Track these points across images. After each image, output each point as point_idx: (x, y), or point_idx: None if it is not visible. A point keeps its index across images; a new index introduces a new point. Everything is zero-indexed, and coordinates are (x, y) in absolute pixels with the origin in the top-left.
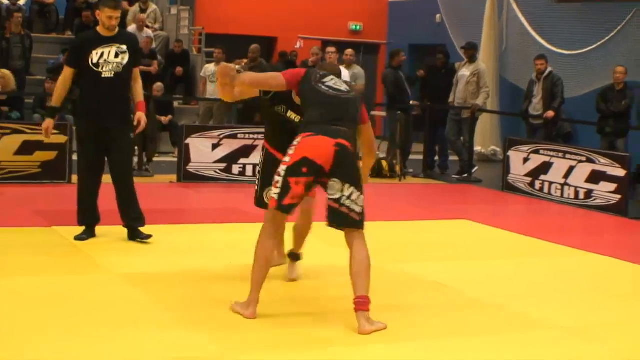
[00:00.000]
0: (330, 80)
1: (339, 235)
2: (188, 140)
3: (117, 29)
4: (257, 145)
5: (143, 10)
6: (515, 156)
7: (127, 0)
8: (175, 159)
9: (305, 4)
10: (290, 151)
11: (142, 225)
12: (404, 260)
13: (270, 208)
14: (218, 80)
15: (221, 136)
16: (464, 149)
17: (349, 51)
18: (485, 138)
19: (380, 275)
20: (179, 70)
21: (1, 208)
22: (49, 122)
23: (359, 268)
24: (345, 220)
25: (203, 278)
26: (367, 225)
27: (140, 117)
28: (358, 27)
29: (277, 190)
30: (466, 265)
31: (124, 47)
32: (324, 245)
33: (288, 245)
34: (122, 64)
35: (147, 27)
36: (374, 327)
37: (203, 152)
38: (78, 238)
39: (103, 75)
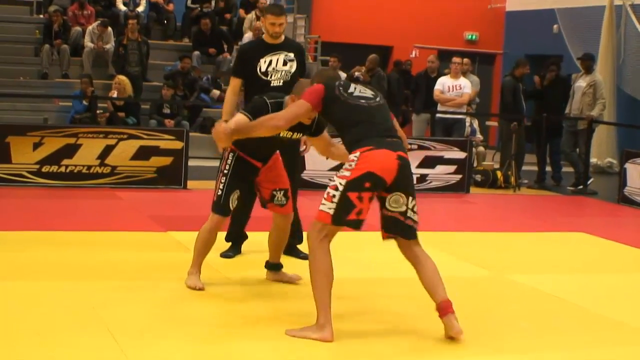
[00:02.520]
0: (355, 90)
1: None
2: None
3: (283, 37)
4: None
5: (259, 18)
6: (633, 168)
7: (244, 8)
8: None
9: (421, 13)
10: (349, 165)
11: (300, 243)
12: (518, 271)
13: (324, 223)
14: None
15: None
16: (580, 161)
17: (460, 60)
18: (601, 150)
19: (495, 287)
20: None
21: (117, 212)
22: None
23: (434, 275)
24: (411, 233)
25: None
26: (484, 235)
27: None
28: (474, 37)
29: (332, 205)
30: (581, 278)
31: (292, 55)
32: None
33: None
34: (290, 72)
35: None
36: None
37: (317, 159)
38: (224, 255)
39: (272, 84)
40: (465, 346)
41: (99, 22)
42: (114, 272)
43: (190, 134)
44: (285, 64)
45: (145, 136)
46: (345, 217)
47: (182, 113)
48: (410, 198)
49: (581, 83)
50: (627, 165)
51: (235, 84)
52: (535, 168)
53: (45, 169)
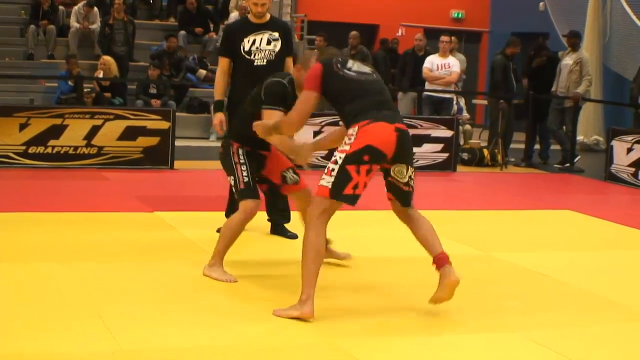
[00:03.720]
0: (353, 65)
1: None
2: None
3: (268, 16)
4: None
5: None
6: (619, 146)
7: None
8: None
9: None
10: (348, 140)
11: (288, 222)
12: (505, 250)
13: (323, 197)
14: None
15: (323, 123)
16: (566, 138)
17: (448, 38)
18: (588, 127)
19: (483, 265)
20: None
21: (104, 193)
22: (220, 117)
23: (429, 231)
24: (411, 199)
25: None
26: (471, 213)
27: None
28: (460, 15)
29: (331, 179)
30: (570, 256)
31: (276, 35)
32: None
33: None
34: (274, 52)
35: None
36: None
37: (306, 139)
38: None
39: (255, 63)
40: (454, 324)
41: (84, 2)
42: (102, 253)
43: (177, 113)
44: (269, 43)
45: (131, 116)
46: (342, 190)
47: (169, 93)
48: (410, 167)
49: (568, 61)
50: (614, 143)
51: (223, 63)
52: (522, 146)
53: (31, 150)
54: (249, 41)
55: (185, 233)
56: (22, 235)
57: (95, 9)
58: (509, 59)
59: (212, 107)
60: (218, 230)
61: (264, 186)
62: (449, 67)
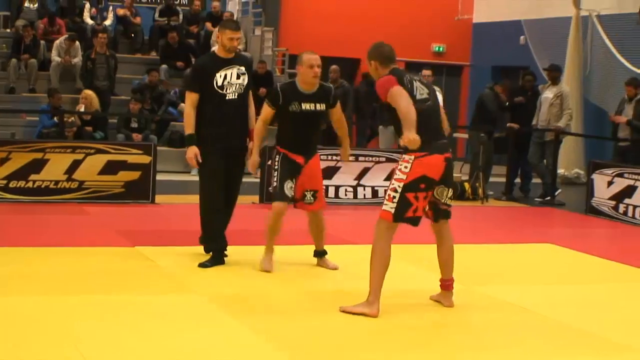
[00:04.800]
0: (417, 90)
1: None
2: (270, 162)
3: (235, 51)
4: (340, 167)
5: None
6: (600, 179)
7: (210, 21)
8: (258, 180)
9: (388, 25)
10: (404, 168)
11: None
12: (487, 283)
13: (387, 220)
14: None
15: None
16: (547, 172)
17: (430, 72)
18: (569, 161)
19: (463, 297)
20: (263, 91)
21: (85, 227)
22: (194, 150)
23: (449, 256)
24: (449, 214)
25: (286, 298)
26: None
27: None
28: (441, 49)
29: (393, 205)
30: (550, 289)
31: (243, 69)
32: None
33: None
34: (243, 85)
35: None
36: None
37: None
38: (202, 265)
39: (227, 97)
40: (430, 357)
41: (66, 36)
42: (82, 287)
43: (158, 148)
44: (238, 77)
45: (112, 150)
46: (404, 214)
47: (150, 127)
48: (450, 189)
49: (548, 94)
50: (594, 176)
51: (193, 97)
52: (503, 180)
53: (12, 184)
54: (220, 76)
55: (165, 267)
56: (1, 270)
57: (77, 43)
58: (496, 97)
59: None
60: (200, 265)
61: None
62: None
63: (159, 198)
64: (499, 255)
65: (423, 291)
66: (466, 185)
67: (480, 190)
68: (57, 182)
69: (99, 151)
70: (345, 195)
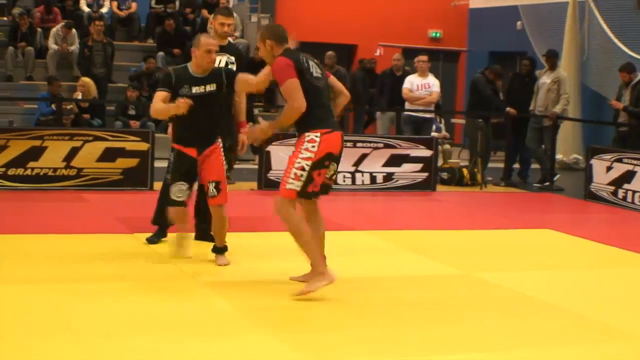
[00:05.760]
0: (312, 68)
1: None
2: (269, 148)
3: (228, 40)
4: None
5: None
6: (598, 164)
7: (206, 8)
8: (256, 167)
9: (384, 11)
10: (311, 147)
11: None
12: (486, 269)
13: (290, 198)
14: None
15: None
16: (546, 157)
17: (426, 58)
18: (567, 146)
19: (461, 283)
20: None
21: (83, 215)
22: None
23: (323, 238)
24: (330, 189)
25: (284, 284)
26: (451, 233)
27: (243, 140)
28: (438, 35)
29: (300, 183)
30: (548, 274)
31: (233, 59)
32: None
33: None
34: None
35: None
36: None
37: (283, 159)
38: (150, 240)
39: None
40: (434, 344)
41: (63, 23)
42: (81, 275)
43: (156, 135)
44: (227, 65)
45: (110, 138)
46: (306, 190)
47: (148, 114)
48: (337, 165)
49: (545, 79)
50: (593, 162)
51: None
52: (501, 165)
53: (11, 171)
54: None
55: (164, 253)
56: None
57: (74, 30)
58: (488, 81)
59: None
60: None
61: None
62: (429, 87)
63: (157, 185)
64: (498, 241)
65: (423, 277)
66: (464, 171)
67: (478, 176)
68: (55, 170)
69: (97, 138)
70: (344, 181)
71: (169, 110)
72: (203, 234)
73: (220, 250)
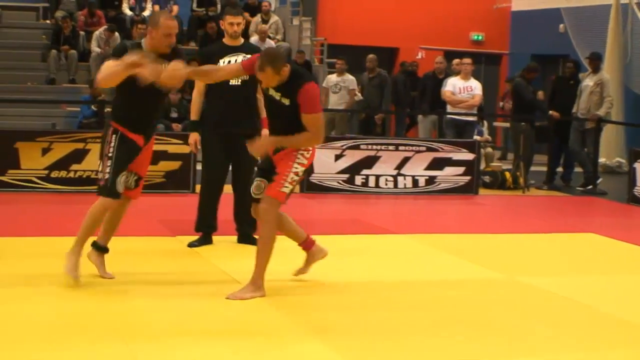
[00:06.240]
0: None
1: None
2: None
3: (242, 40)
4: (380, 157)
5: (265, 22)
6: None
7: (248, 11)
8: None
9: (426, 14)
10: (306, 154)
11: (255, 232)
12: (529, 273)
13: (279, 201)
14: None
15: (344, 147)
16: (588, 161)
17: (470, 61)
18: (609, 149)
19: (507, 289)
20: None
21: (126, 217)
22: (194, 136)
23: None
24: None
25: (325, 287)
26: (494, 237)
27: (266, 134)
28: (480, 37)
29: (291, 187)
30: (592, 279)
31: (249, 57)
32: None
33: None
34: None
35: (269, 38)
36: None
37: (326, 162)
38: (191, 245)
39: (230, 83)
40: (477, 349)
41: (105, 27)
42: (125, 277)
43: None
44: None
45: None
46: (289, 195)
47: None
48: None
49: (588, 82)
50: (636, 165)
51: (199, 85)
52: (544, 169)
53: (54, 174)
54: (224, 62)
55: (207, 256)
56: (45, 261)
57: (116, 33)
58: (528, 83)
59: None
60: (190, 244)
61: None
62: (471, 90)
63: (199, 188)
64: (540, 245)
65: (466, 281)
66: (507, 174)
67: (521, 180)
68: (98, 172)
69: None
70: (386, 185)
71: (125, 65)
72: (244, 237)
73: (103, 249)
